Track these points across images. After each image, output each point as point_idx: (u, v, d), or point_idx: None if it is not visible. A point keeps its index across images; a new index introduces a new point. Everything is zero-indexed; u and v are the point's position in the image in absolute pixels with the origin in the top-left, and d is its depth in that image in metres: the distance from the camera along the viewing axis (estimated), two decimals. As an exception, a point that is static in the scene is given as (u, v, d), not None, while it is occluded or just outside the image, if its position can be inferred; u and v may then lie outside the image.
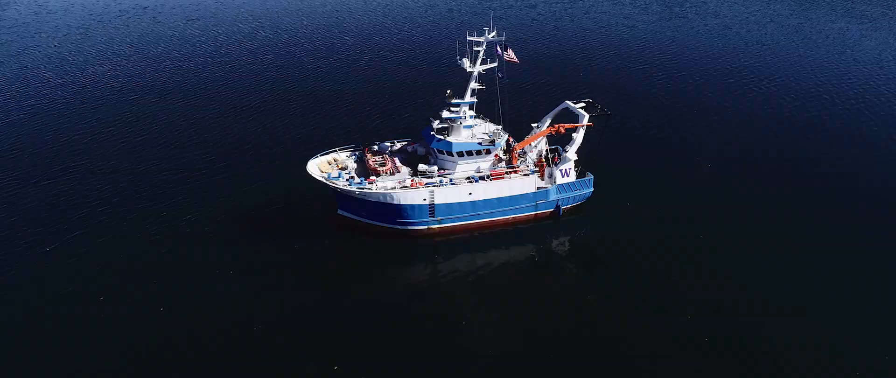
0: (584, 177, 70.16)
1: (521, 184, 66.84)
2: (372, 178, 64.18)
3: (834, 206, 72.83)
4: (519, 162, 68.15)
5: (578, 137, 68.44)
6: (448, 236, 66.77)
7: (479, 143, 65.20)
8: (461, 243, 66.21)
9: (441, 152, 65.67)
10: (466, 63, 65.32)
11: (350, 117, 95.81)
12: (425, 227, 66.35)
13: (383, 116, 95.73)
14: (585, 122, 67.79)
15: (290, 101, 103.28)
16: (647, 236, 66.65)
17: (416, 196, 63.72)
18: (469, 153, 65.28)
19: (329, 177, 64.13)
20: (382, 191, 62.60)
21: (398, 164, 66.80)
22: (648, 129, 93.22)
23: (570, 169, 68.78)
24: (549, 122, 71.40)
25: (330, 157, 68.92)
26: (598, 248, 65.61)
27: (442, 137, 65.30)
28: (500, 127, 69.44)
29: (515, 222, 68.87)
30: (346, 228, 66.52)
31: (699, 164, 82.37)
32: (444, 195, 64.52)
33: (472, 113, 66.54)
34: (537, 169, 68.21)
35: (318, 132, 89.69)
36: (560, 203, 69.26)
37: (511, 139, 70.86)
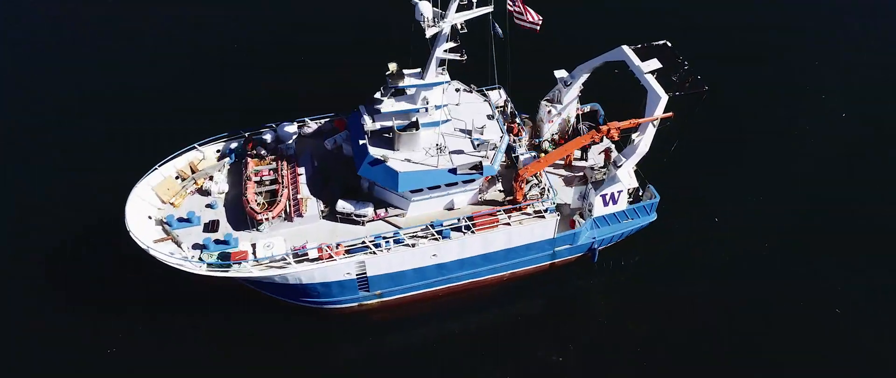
0: (643, 196, 39.60)
1: (530, 231, 36.91)
2: (253, 232, 34.16)
3: None
4: (527, 188, 37.29)
5: (644, 141, 35.64)
6: (395, 310, 38.61)
7: (453, 170, 34.18)
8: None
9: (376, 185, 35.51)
10: (427, 9, 31.80)
11: (241, 79, 54.06)
12: (355, 304, 37.83)
13: (303, 74, 54.20)
14: (661, 111, 34.88)
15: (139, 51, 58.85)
16: (730, 295, 39.38)
17: (332, 272, 34.35)
18: (432, 188, 34.83)
19: (170, 224, 34.38)
20: (267, 269, 33.29)
21: (302, 188, 35.91)
22: (748, 111, 53.71)
23: (620, 193, 37.95)
24: (579, 87, 39.26)
25: (182, 163, 37.84)
26: (648, 312, 38.68)
27: (380, 157, 33.96)
28: (497, 115, 37.31)
29: (513, 278, 40.29)
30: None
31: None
32: (386, 264, 35.24)
33: (443, 91, 34.52)
34: (532, 190, 37.35)
35: (178, 116, 49.48)
36: (597, 244, 39.63)
37: (516, 138, 39.11)
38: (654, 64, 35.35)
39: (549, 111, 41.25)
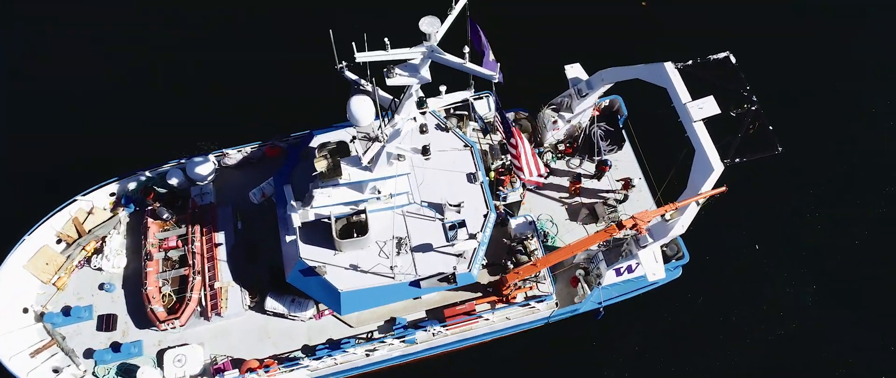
0: (670, 255, 30.11)
1: (520, 317, 28.39)
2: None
3: None
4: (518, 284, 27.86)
5: (682, 222, 24.12)
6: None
7: (416, 283, 24.57)
8: None
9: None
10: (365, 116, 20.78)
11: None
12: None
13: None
14: (711, 185, 23.61)
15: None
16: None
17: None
18: None
19: (53, 322, 26.10)
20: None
21: (221, 271, 26.79)
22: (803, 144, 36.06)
23: (638, 265, 28.50)
24: (596, 99, 28.48)
25: (63, 221, 28.23)
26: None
27: (314, 266, 24.30)
28: (481, 171, 26.81)
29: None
30: None
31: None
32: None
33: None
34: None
35: (49, 156, 34.85)
36: (603, 306, 31.30)
37: (507, 188, 28.73)
38: (710, 106, 24.19)
39: (555, 121, 30.83)
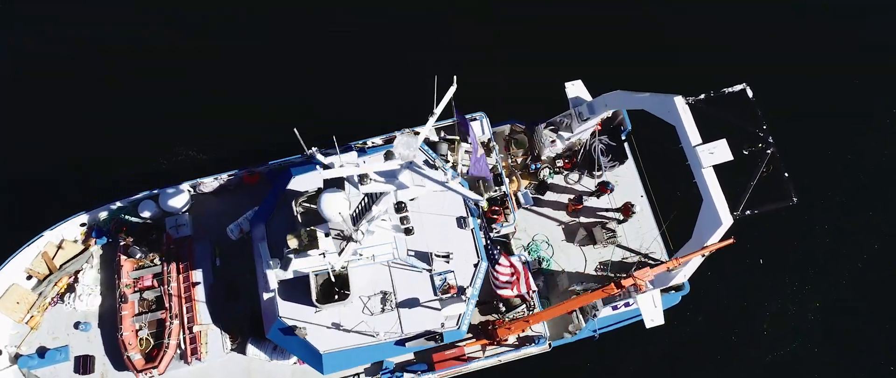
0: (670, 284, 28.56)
1: (513, 355, 27.22)
2: None
3: None
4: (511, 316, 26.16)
5: (684, 272, 23.13)
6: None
7: (401, 342, 23.16)
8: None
9: None
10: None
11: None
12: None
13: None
14: (718, 238, 21.51)
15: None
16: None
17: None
18: None
19: (28, 366, 25.07)
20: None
21: (200, 313, 25.38)
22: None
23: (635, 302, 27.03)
24: (598, 122, 26.63)
25: (32, 257, 26.60)
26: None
27: (294, 325, 22.83)
28: (472, 216, 25.01)
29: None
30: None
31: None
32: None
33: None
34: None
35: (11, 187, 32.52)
36: (597, 332, 30.04)
37: (500, 224, 27.00)
38: (722, 151, 22.17)
39: (553, 141, 28.97)
